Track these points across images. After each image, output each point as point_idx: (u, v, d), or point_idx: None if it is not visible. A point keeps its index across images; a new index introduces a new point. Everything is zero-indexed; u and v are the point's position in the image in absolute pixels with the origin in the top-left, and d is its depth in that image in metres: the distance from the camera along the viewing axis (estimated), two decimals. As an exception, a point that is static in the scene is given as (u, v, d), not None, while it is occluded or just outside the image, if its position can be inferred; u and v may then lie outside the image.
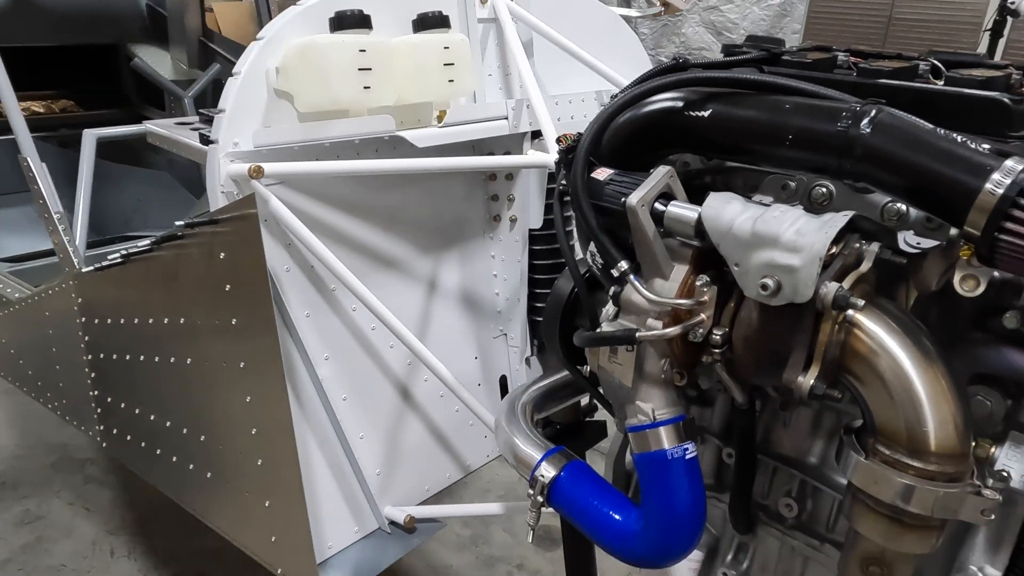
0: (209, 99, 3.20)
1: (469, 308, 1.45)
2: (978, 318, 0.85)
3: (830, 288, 0.74)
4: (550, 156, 1.09)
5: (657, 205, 0.86)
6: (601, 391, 1.05)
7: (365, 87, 1.09)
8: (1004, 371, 0.83)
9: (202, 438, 1.23)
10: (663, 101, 0.93)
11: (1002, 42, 3.32)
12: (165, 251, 1.15)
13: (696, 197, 0.98)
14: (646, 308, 0.88)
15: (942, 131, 0.76)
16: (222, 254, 1.07)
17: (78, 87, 3.67)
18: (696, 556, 1.18)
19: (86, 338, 1.45)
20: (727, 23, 5.43)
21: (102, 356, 1.42)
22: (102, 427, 1.50)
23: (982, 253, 0.70)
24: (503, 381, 1.53)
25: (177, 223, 1.09)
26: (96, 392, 1.49)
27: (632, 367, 0.90)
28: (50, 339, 1.58)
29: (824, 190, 0.87)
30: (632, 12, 3.61)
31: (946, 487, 0.73)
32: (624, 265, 0.88)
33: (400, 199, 1.28)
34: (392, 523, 1.29)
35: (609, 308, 0.95)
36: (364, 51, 1.08)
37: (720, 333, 0.85)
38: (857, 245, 0.80)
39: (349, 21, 1.11)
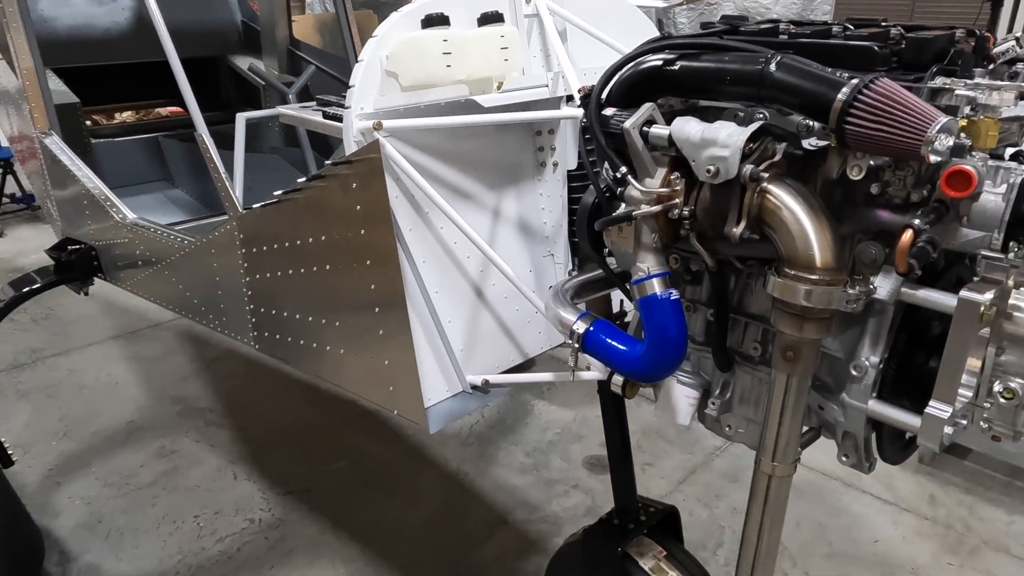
0: (298, 98, 3.76)
1: (524, 232, 1.92)
2: (862, 193, 1.28)
3: (748, 168, 1.19)
4: (579, 110, 1.55)
5: (644, 128, 1.32)
6: (617, 273, 1.52)
7: (447, 66, 1.57)
8: (879, 226, 1.26)
9: (337, 323, 1.72)
10: (649, 60, 1.38)
11: (1005, 12, 3.61)
12: (313, 187, 1.64)
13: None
14: (640, 198, 1.34)
15: (819, 66, 1.19)
16: (354, 184, 1.56)
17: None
18: (693, 394, 1.63)
19: (245, 264, 1.97)
20: (760, 8, 5.77)
21: (257, 276, 1.93)
22: (255, 333, 2.02)
23: (839, 139, 1.13)
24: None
25: (327, 163, 1.58)
26: (252, 306, 2.00)
27: (632, 238, 1.36)
28: (215, 271, 2.11)
29: (761, 115, 1.31)
30: (659, 3, 4.02)
31: (827, 288, 1.17)
32: (624, 169, 1.33)
33: (472, 148, 1.76)
34: (473, 386, 1.77)
35: (620, 209, 1.41)
36: (446, 41, 1.57)
37: (688, 210, 1.30)
38: (771, 145, 1.24)
39: (435, 20, 1.59)
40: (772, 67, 1.21)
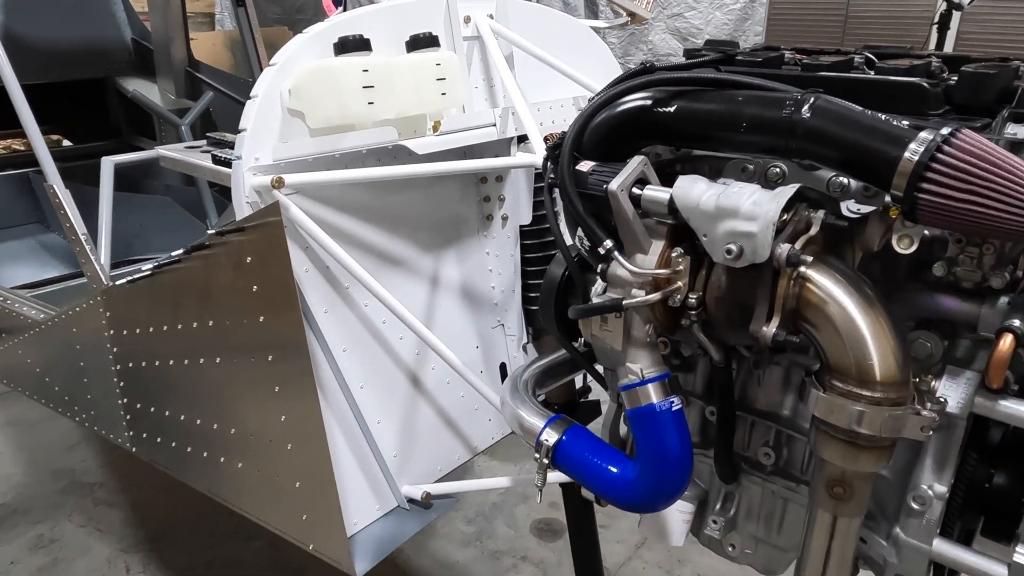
0: (199, 126, 3.32)
1: (468, 301, 1.57)
2: (914, 271, 1.00)
3: (783, 249, 0.88)
4: (536, 156, 1.22)
5: (634, 189, 1.00)
6: (595, 365, 1.19)
7: (369, 103, 1.22)
8: (938, 315, 0.97)
9: (232, 431, 1.34)
10: (635, 100, 1.07)
11: (951, 35, 3.53)
12: (194, 259, 1.27)
13: (668, 183, 1.13)
14: (630, 280, 1.01)
15: (869, 112, 0.90)
16: (249, 258, 1.19)
17: (67, 121, 3.76)
18: (688, 508, 1.31)
19: (115, 349, 1.56)
20: (691, 29, 5.63)
21: (131, 365, 1.53)
22: (131, 432, 1.60)
23: (907, 211, 0.84)
24: (503, 368, 1.66)
25: (209, 231, 1.21)
26: (125, 400, 1.59)
27: (621, 333, 1.03)
28: (78, 354, 1.69)
29: (778, 170, 1.01)
30: (600, 23, 3.78)
31: (891, 410, 0.87)
32: (609, 243, 1.01)
33: (402, 202, 1.41)
34: (410, 500, 1.41)
35: (598, 285, 1.09)
36: (367, 71, 1.21)
37: (695, 297, 0.98)
38: (806, 213, 0.94)
39: (352, 45, 1.24)
40: (805, 112, 0.91)
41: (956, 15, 3.36)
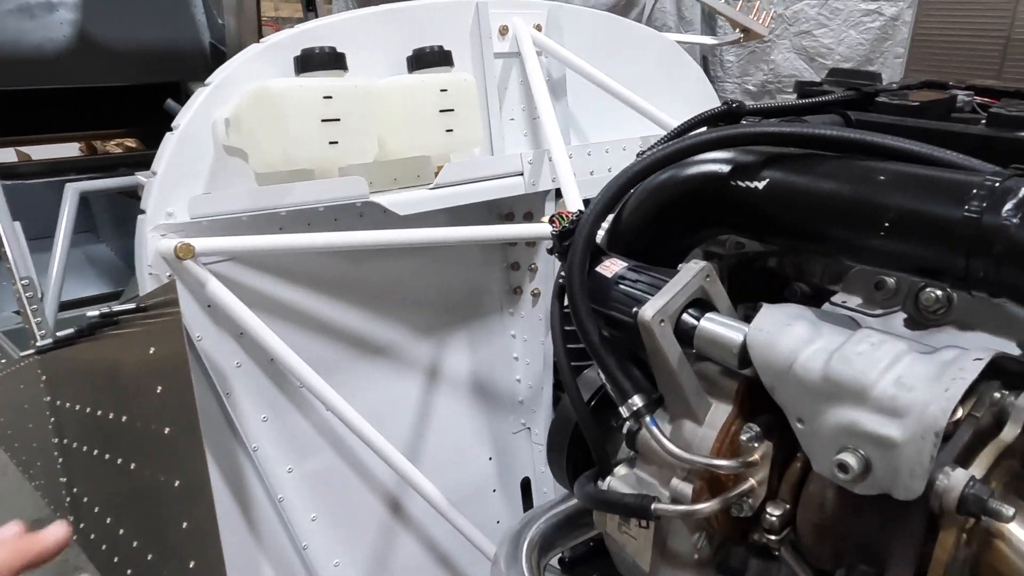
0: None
1: (483, 398, 1.20)
2: None
3: (955, 480, 0.46)
4: (546, 227, 0.83)
5: (685, 317, 0.60)
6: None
7: (331, 142, 0.87)
8: None
9: (150, 557, 1.02)
10: (704, 164, 0.66)
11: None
12: (106, 337, 0.96)
13: (754, 289, 0.72)
14: (670, 462, 0.61)
15: None
16: (152, 348, 0.87)
17: (144, 125, 3.66)
18: None
19: (52, 419, 1.29)
20: (821, 48, 5.04)
21: (66, 441, 1.25)
22: (72, 517, 1.33)
23: None
24: (526, 485, 1.27)
25: (115, 306, 0.89)
26: (65, 479, 1.32)
27: (650, 544, 0.63)
28: (26, 413, 1.44)
29: (940, 293, 0.59)
30: (709, 40, 3.32)
31: None
32: (638, 402, 0.61)
33: (393, 272, 1.05)
34: (375, 669, 1.05)
35: (623, 450, 0.69)
36: (330, 98, 0.86)
37: (779, 513, 0.57)
38: (997, 396, 0.51)
39: (316, 61, 0.89)
40: (1011, 215, 0.48)
41: None
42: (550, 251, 0.70)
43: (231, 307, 0.86)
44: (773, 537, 0.57)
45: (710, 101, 1.43)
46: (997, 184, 0.50)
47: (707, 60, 5.48)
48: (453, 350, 1.15)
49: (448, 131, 0.98)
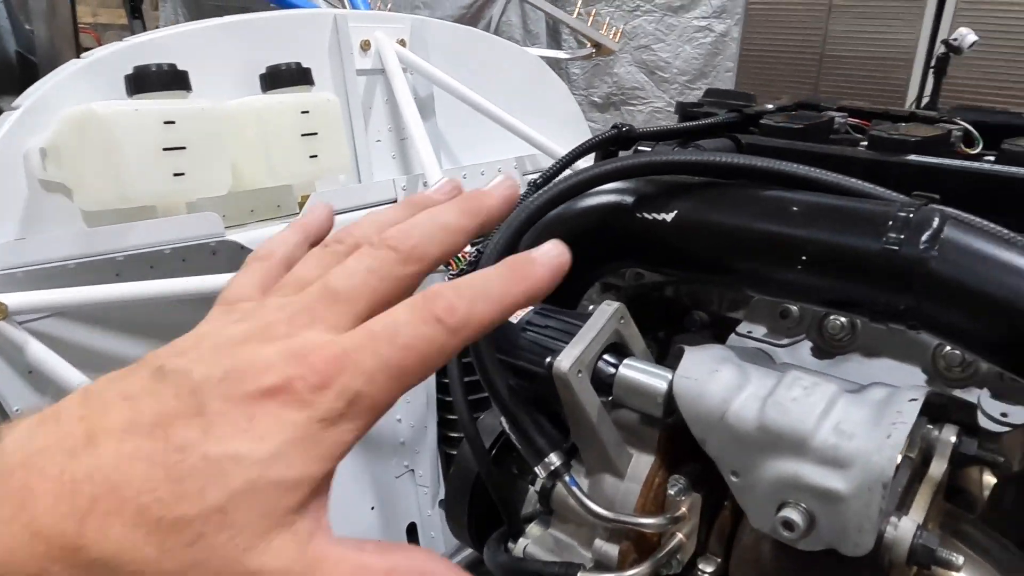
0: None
1: (362, 442, 1.10)
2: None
3: (902, 531, 0.44)
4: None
5: (602, 365, 0.55)
6: None
7: (176, 173, 0.75)
8: None
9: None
10: (604, 195, 0.62)
11: (937, 79, 3.21)
12: None
13: (650, 316, 0.68)
14: (590, 521, 0.56)
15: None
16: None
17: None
18: None
19: None
20: (659, 62, 5.29)
21: None
22: None
23: None
24: (412, 530, 1.18)
25: None
26: None
27: (558, 609, 0.58)
28: None
29: (843, 321, 0.58)
30: (561, 54, 3.38)
31: None
32: (555, 460, 0.55)
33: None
34: None
35: (536, 503, 0.63)
36: (172, 123, 0.75)
37: (711, 569, 0.53)
38: (930, 429, 0.50)
39: (154, 80, 0.77)
40: (927, 247, 0.47)
41: (951, 59, 3.04)
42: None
43: (57, 371, 0.72)
44: (706, 591, 0.54)
45: (574, 117, 1.41)
46: (911, 215, 0.49)
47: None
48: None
49: (312, 157, 0.88)
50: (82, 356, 0.76)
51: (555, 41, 5.60)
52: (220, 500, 0.27)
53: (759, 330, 0.63)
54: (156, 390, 0.28)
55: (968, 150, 0.72)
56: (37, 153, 0.74)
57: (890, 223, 0.49)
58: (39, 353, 0.71)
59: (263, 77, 0.91)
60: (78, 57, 2.47)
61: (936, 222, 0.48)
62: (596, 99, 5.74)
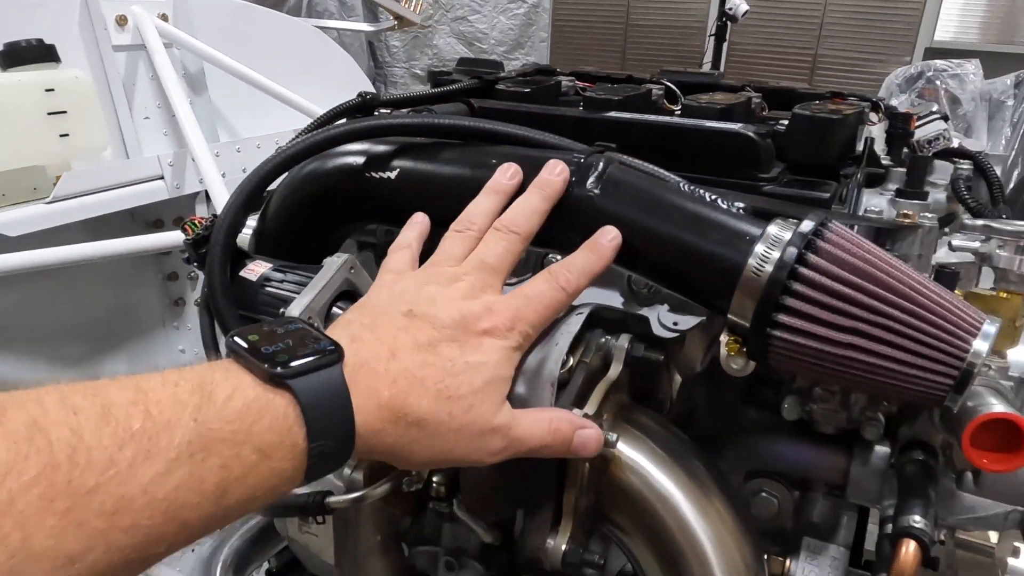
0: None
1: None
2: (753, 398, 0.69)
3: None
4: (174, 236, 0.78)
5: (335, 311, 0.61)
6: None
7: (-102, 158, 0.72)
8: (787, 468, 0.68)
9: None
10: (337, 158, 0.67)
11: (724, 46, 3.53)
12: None
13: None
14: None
15: (686, 186, 0.57)
16: None
17: None
18: None
19: None
20: (477, 33, 5.37)
21: None
22: None
23: (754, 350, 0.52)
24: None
25: None
26: None
27: (331, 538, 0.64)
28: None
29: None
30: (365, 27, 3.36)
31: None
32: (296, 402, 0.61)
33: (15, 303, 0.91)
34: None
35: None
36: None
37: (443, 480, 0.61)
38: (602, 341, 0.60)
39: None
40: (593, 187, 0.56)
41: (730, 26, 3.35)
42: (187, 261, 0.66)
43: None
44: (443, 502, 0.61)
45: (363, 84, 1.45)
46: (583, 160, 0.58)
47: (373, 46, 5.54)
48: (111, 375, 1.04)
49: (63, 136, 0.87)
50: None
51: (372, 14, 5.53)
52: (480, 385, 0.47)
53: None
54: (418, 325, 0.48)
55: (672, 107, 0.84)
56: None
57: (573, 165, 0.58)
58: None
59: (1, 55, 0.87)
60: None
61: (602, 165, 0.57)
62: (418, 71, 5.75)
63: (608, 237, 0.54)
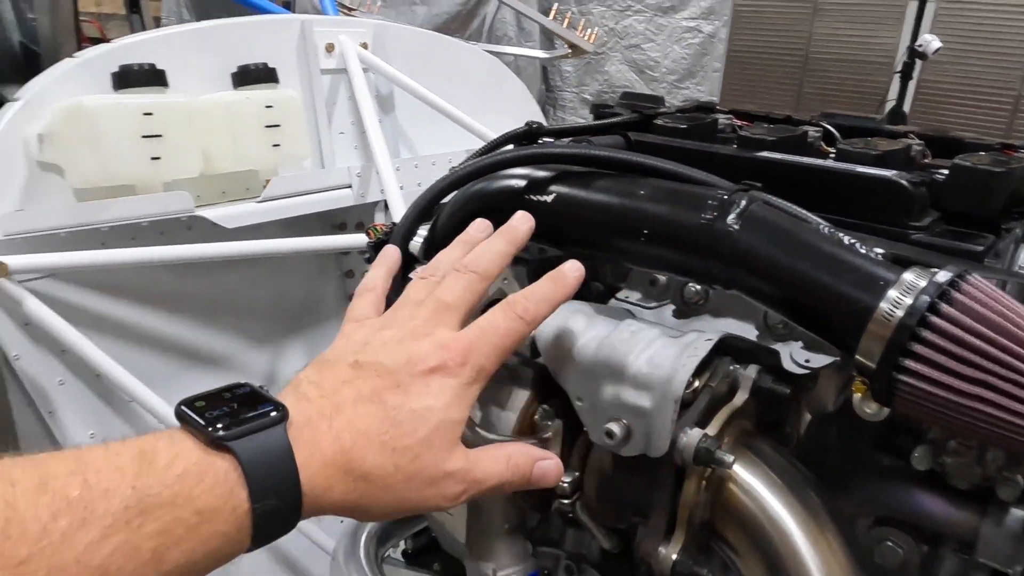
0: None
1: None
2: (885, 443, 0.69)
3: (691, 437, 0.57)
4: (361, 238, 0.90)
5: (487, 316, 0.68)
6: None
7: (153, 157, 0.88)
8: (915, 516, 0.67)
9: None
10: (502, 180, 0.75)
11: (912, 84, 3.34)
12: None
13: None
14: (479, 443, 0.69)
15: (826, 228, 0.60)
16: (-34, 370, 0.85)
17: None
18: None
19: None
20: (649, 61, 5.40)
21: None
22: None
23: (878, 392, 0.53)
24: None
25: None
26: None
27: (464, 519, 0.71)
28: None
29: (699, 288, 0.71)
30: (541, 54, 3.50)
31: None
32: (448, 391, 0.69)
33: (227, 284, 1.07)
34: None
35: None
36: (150, 114, 0.88)
37: (569, 480, 0.67)
38: (731, 369, 0.63)
39: (135, 78, 0.90)
40: (732, 221, 0.60)
41: (919, 63, 3.17)
42: (367, 260, 0.76)
43: (51, 325, 0.85)
44: (566, 501, 0.67)
45: (533, 114, 1.54)
46: (726, 197, 0.62)
47: (547, 71, 5.72)
48: (290, 357, 1.18)
49: (275, 146, 1.02)
50: (71, 312, 0.90)
51: (549, 39, 5.72)
52: (426, 433, 0.46)
53: (634, 296, 0.76)
54: (362, 376, 0.47)
55: (828, 150, 0.85)
56: (35, 138, 0.87)
57: (709, 203, 0.62)
58: (34, 308, 0.84)
59: (234, 75, 1.04)
60: (79, 47, 2.62)
61: (744, 203, 0.61)
62: (588, 96, 5.86)
63: (571, 268, 0.56)
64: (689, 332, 0.63)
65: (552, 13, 2.57)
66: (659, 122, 0.88)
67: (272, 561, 1.16)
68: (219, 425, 0.41)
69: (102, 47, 0.93)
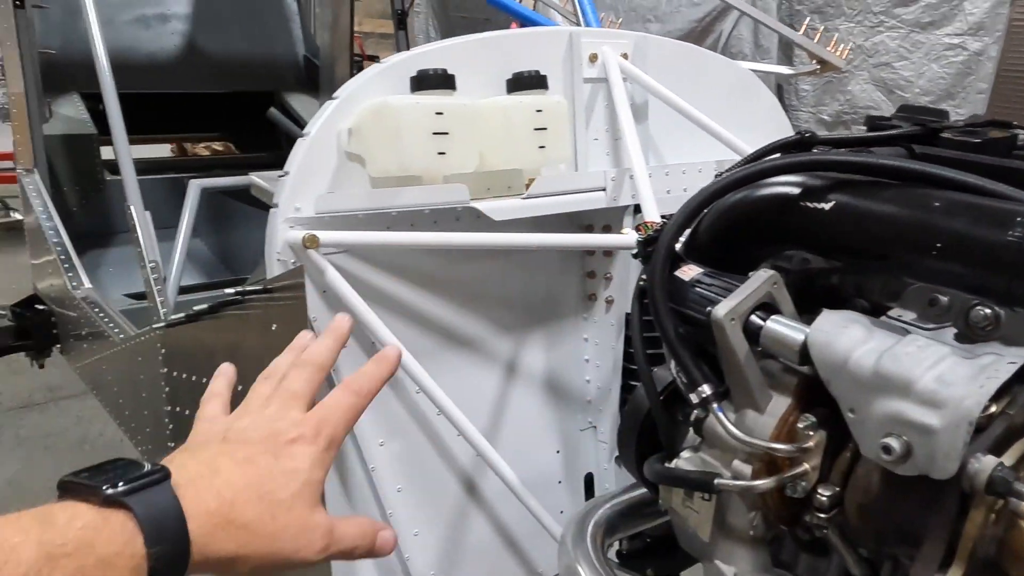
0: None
1: (554, 395, 1.29)
2: None
3: (984, 464, 0.53)
4: (629, 237, 0.93)
5: (753, 318, 0.68)
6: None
7: (439, 152, 0.98)
8: None
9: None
10: (775, 186, 0.75)
11: None
12: (227, 316, 1.10)
13: (817, 302, 0.79)
14: (733, 445, 0.70)
15: None
16: (274, 326, 1.00)
17: (239, 131, 3.90)
18: None
19: (167, 389, 1.44)
20: (900, 81, 4.98)
21: (178, 409, 1.40)
22: (177, 480, 1.47)
23: None
24: (588, 480, 1.35)
25: (228, 291, 1.04)
26: (173, 444, 1.47)
27: (711, 518, 0.72)
28: (141, 384, 1.59)
29: (988, 312, 0.66)
30: (784, 70, 3.37)
31: None
32: (707, 390, 0.70)
33: (483, 272, 1.16)
34: (444, 634, 1.15)
35: (691, 436, 0.78)
36: (441, 114, 0.98)
37: (828, 494, 0.65)
38: (1029, 399, 0.58)
39: (430, 81, 1.01)
40: (1042, 240, 0.56)
41: None
42: (635, 255, 0.80)
43: (344, 294, 0.98)
44: (822, 515, 0.65)
45: (783, 128, 1.50)
46: (1027, 212, 0.57)
47: (782, 88, 5.48)
48: (530, 348, 1.25)
49: (540, 147, 1.09)
50: (358, 285, 1.02)
51: (786, 56, 5.48)
52: (297, 488, 0.56)
53: (908, 315, 0.72)
54: (234, 447, 0.58)
55: None
56: (346, 132, 1.00)
57: (1018, 219, 0.58)
58: (333, 278, 0.97)
59: (509, 81, 1.12)
60: (352, 61, 2.92)
61: (1068, 222, 0.56)
62: (825, 116, 5.53)
63: (391, 351, 0.73)
64: (985, 354, 0.58)
65: (803, 27, 2.47)
66: (947, 135, 0.83)
67: (499, 544, 1.23)
68: (108, 486, 0.47)
69: (403, 54, 1.06)
